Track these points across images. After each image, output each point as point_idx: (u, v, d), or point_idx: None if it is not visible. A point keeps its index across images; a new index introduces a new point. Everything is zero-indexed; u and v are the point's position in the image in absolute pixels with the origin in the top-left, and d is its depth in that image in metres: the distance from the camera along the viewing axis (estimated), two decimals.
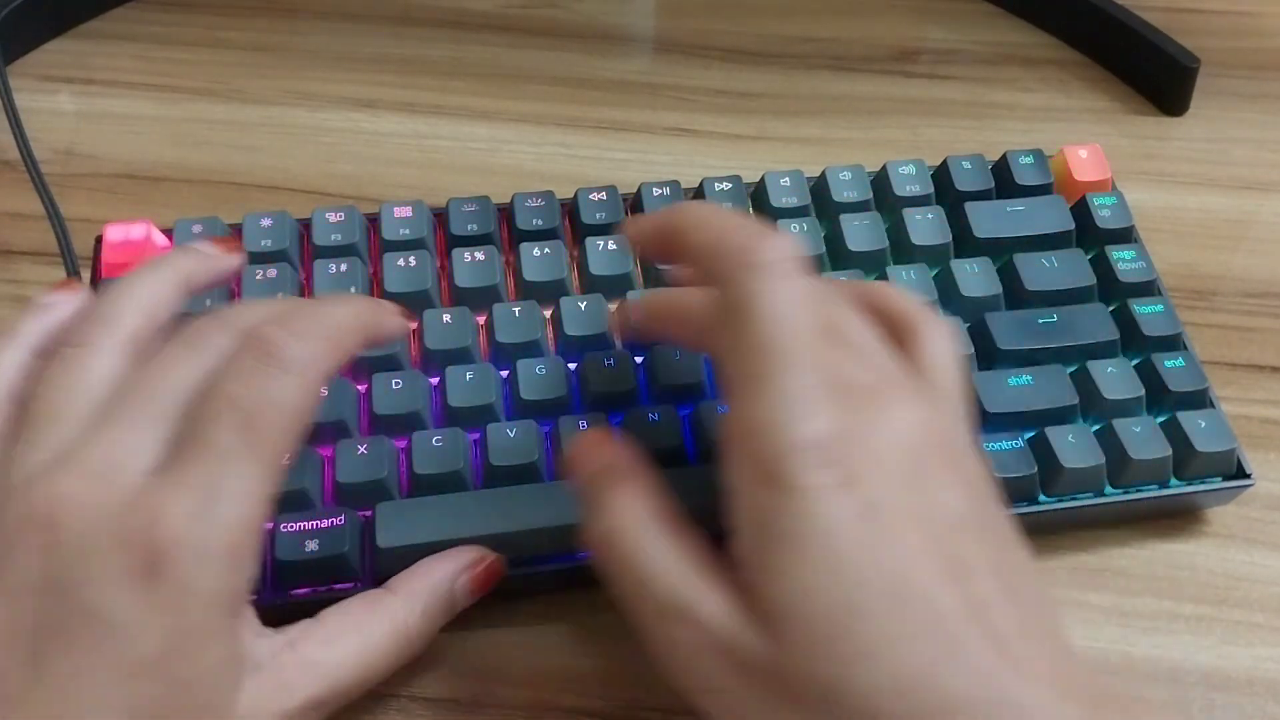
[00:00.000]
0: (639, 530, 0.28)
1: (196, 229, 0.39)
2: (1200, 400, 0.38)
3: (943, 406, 0.29)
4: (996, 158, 0.44)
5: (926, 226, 0.41)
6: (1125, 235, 0.42)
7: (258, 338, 0.27)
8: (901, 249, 0.41)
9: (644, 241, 0.32)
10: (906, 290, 0.34)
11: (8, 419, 0.28)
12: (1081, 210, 0.42)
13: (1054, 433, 0.36)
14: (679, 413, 0.36)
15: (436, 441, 0.34)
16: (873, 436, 0.26)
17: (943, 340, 0.31)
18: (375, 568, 0.33)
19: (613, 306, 0.38)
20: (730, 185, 0.42)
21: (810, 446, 0.25)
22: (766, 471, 0.25)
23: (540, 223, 0.41)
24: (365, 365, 0.36)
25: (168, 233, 0.40)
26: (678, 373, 0.36)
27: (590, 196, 0.41)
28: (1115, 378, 0.38)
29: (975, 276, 0.40)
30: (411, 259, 0.39)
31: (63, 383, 0.27)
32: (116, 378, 0.28)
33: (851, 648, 0.24)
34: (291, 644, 0.29)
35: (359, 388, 0.36)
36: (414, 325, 0.33)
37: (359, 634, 0.30)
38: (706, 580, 0.26)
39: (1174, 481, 0.37)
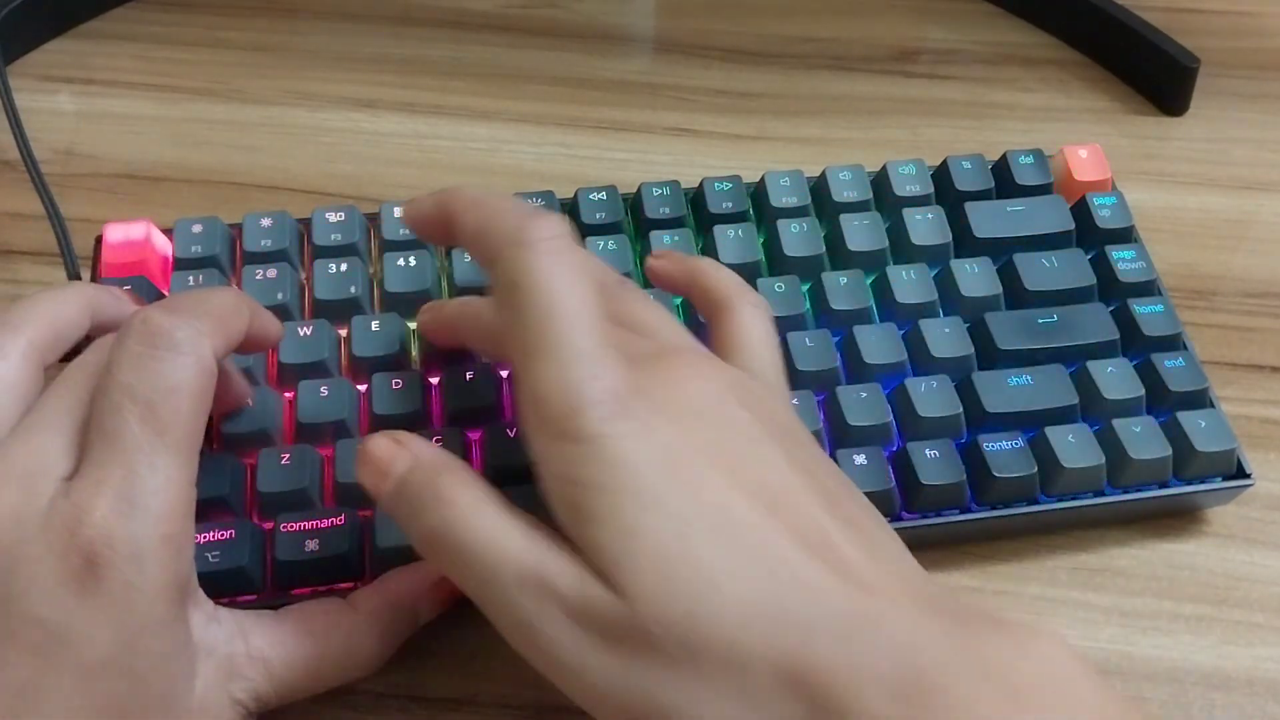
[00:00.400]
0: (476, 512, 0.26)
1: (196, 229, 0.39)
2: (1200, 400, 0.38)
3: (742, 376, 0.29)
4: (996, 158, 0.44)
5: (926, 226, 0.41)
6: (1125, 235, 0.42)
7: (142, 322, 0.27)
8: (901, 249, 0.41)
9: (418, 224, 0.31)
10: (722, 269, 0.34)
11: None
12: (1081, 210, 0.42)
13: (1054, 433, 0.36)
14: None
15: (436, 442, 0.34)
16: (663, 390, 0.26)
17: (754, 317, 0.32)
18: (375, 568, 0.33)
19: (413, 325, 0.38)
20: (730, 185, 0.42)
21: (602, 399, 0.25)
22: (563, 429, 0.25)
23: None
24: (365, 365, 0.36)
25: (168, 233, 0.40)
26: None
27: (590, 196, 0.41)
28: (1115, 378, 0.38)
29: (975, 276, 0.40)
30: (412, 259, 0.39)
31: None
32: (19, 382, 0.28)
33: (694, 579, 0.24)
34: (244, 633, 0.29)
35: (359, 388, 0.36)
36: (283, 332, 0.33)
37: (313, 642, 0.30)
38: (551, 547, 0.26)
39: (1174, 481, 0.37)
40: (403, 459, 0.27)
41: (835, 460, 0.35)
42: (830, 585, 0.24)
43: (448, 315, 0.35)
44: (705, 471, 0.25)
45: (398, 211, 0.37)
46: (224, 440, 0.34)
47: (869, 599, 0.24)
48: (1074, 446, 0.36)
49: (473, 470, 0.28)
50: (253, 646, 0.29)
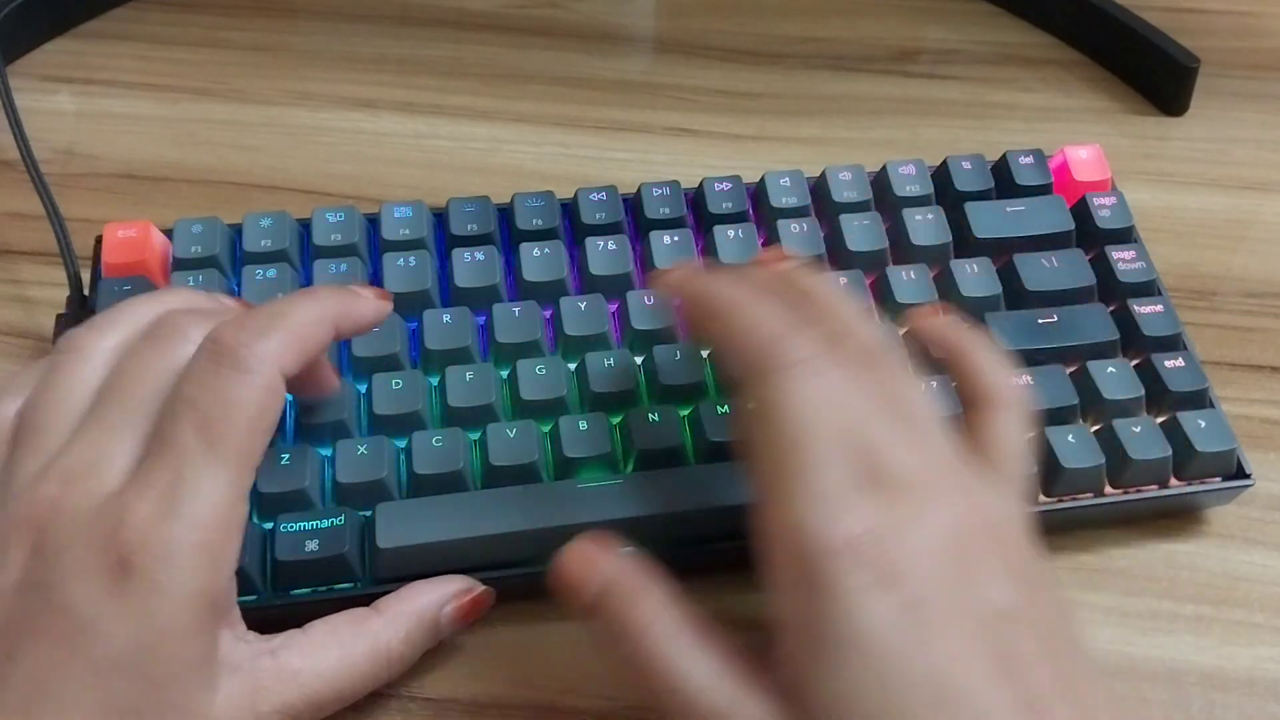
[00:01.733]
0: (669, 648, 0.27)
1: (196, 229, 0.39)
2: (1200, 400, 0.38)
3: (992, 493, 0.28)
4: (996, 158, 0.44)
5: (926, 226, 0.41)
6: (1125, 235, 0.42)
7: (213, 340, 0.27)
8: (901, 249, 0.41)
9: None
10: (997, 352, 0.33)
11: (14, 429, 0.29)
12: (1081, 210, 0.42)
13: (1054, 433, 0.36)
14: (679, 413, 0.36)
15: (436, 441, 0.34)
16: (911, 532, 0.25)
17: (1014, 419, 0.31)
18: (375, 568, 0.33)
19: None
20: (730, 185, 0.42)
21: (845, 547, 0.25)
22: (803, 574, 0.25)
23: (540, 223, 0.41)
24: (365, 365, 0.36)
25: (168, 233, 0.40)
26: (678, 373, 0.36)
27: (590, 196, 0.41)
28: (1115, 378, 0.38)
29: (975, 276, 0.40)
30: (411, 259, 0.39)
31: (54, 389, 0.28)
32: (103, 384, 0.28)
33: None
34: (272, 650, 0.29)
35: (359, 388, 0.36)
36: (389, 305, 0.33)
37: (340, 650, 0.30)
38: (744, 686, 0.26)
39: (1174, 482, 0.37)
40: (593, 581, 0.28)
41: None
42: None
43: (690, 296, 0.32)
44: (940, 628, 0.24)
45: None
46: None
47: None
48: (1074, 447, 0.36)
49: (664, 591, 0.28)
50: (281, 660, 0.29)
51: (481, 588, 0.33)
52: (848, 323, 0.30)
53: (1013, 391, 0.32)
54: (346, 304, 0.31)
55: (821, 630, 0.25)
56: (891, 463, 0.27)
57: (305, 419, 0.35)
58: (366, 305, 0.32)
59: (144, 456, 0.27)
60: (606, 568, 0.28)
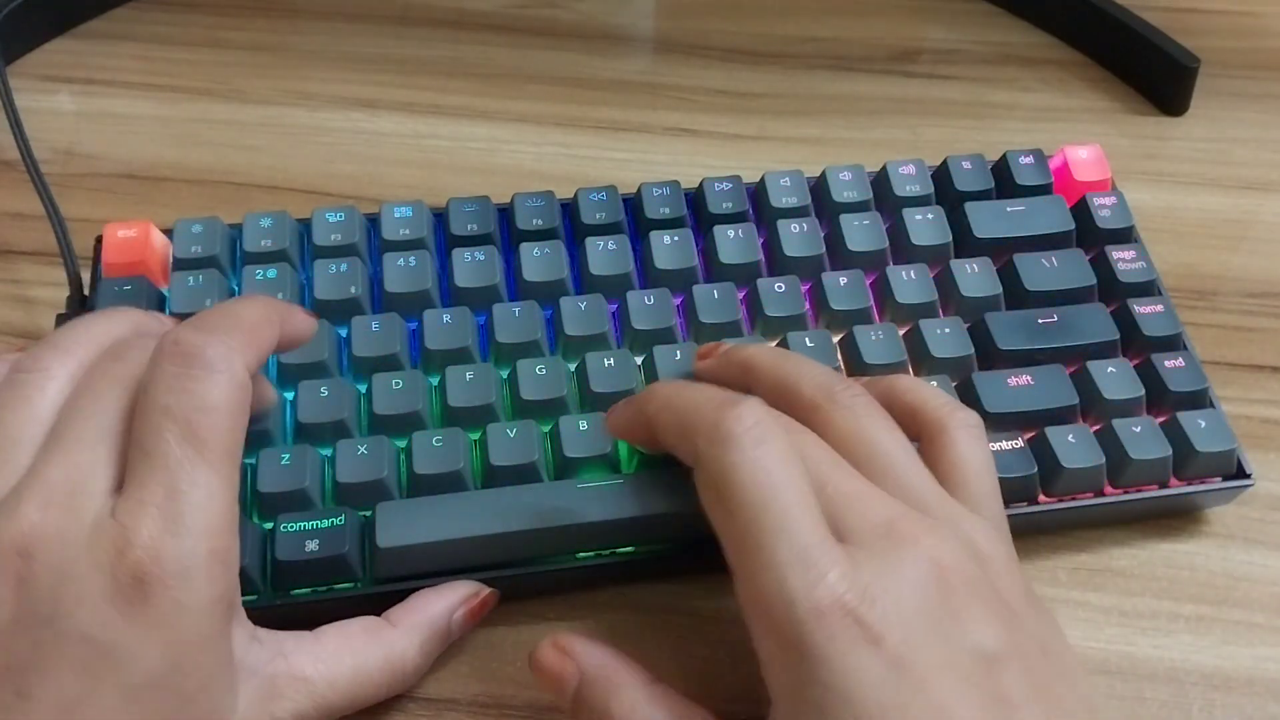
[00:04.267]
0: None
1: (196, 229, 0.39)
2: (1200, 400, 0.38)
3: (967, 524, 0.29)
4: (996, 158, 0.44)
5: (926, 226, 0.41)
6: (1125, 235, 0.42)
7: (174, 343, 0.27)
8: (901, 249, 0.41)
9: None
10: (927, 386, 0.33)
11: None
12: (1081, 210, 0.42)
13: (1054, 433, 0.36)
14: None
15: (436, 441, 0.34)
16: (890, 584, 0.26)
17: (971, 441, 0.31)
18: (375, 568, 0.33)
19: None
20: (730, 185, 0.42)
21: (825, 610, 0.25)
22: (788, 640, 0.25)
23: (540, 223, 0.41)
24: (365, 365, 0.36)
25: (168, 233, 0.40)
26: (678, 373, 0.36)
27: (590, 196, 0.41)
28: (1115, 378, 0.38)
29: (975, 276, 0.40)
30: (411, 259, 0.39)
31: (14, 410, 0.27)
32: (66, 402, 0.28)
33: None
34: (285, 654, 0.29)
35: (359, 388, 0.36)
36: (316, 325, 0.33)
37: (354, 658, 0.30)
38: None
39: (1174, 482, 0.37)
40: (571, 674, 0.29)
41: None
42: None
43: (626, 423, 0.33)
44: (928, 681, 0.25)
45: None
46: None
47: None
48: (1074, 446, 0.36)
49: (638, 675, 0.29)
50: (294, 665, 0.29)
51: (489, 590, 0.33)
52: (794, 375, 0.30)
53: (957, 414, 0.32)
54: (284, 312, 0.31)
55: (810, 696, 0.25)
56: (859, 515, 0.27)
57: (306, 419, 0.35)
58: (301, 318, 0.32)
59: (129, 474, 0.26)
60: (580, 659, 0.29)
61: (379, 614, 0.32)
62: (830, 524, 0.27)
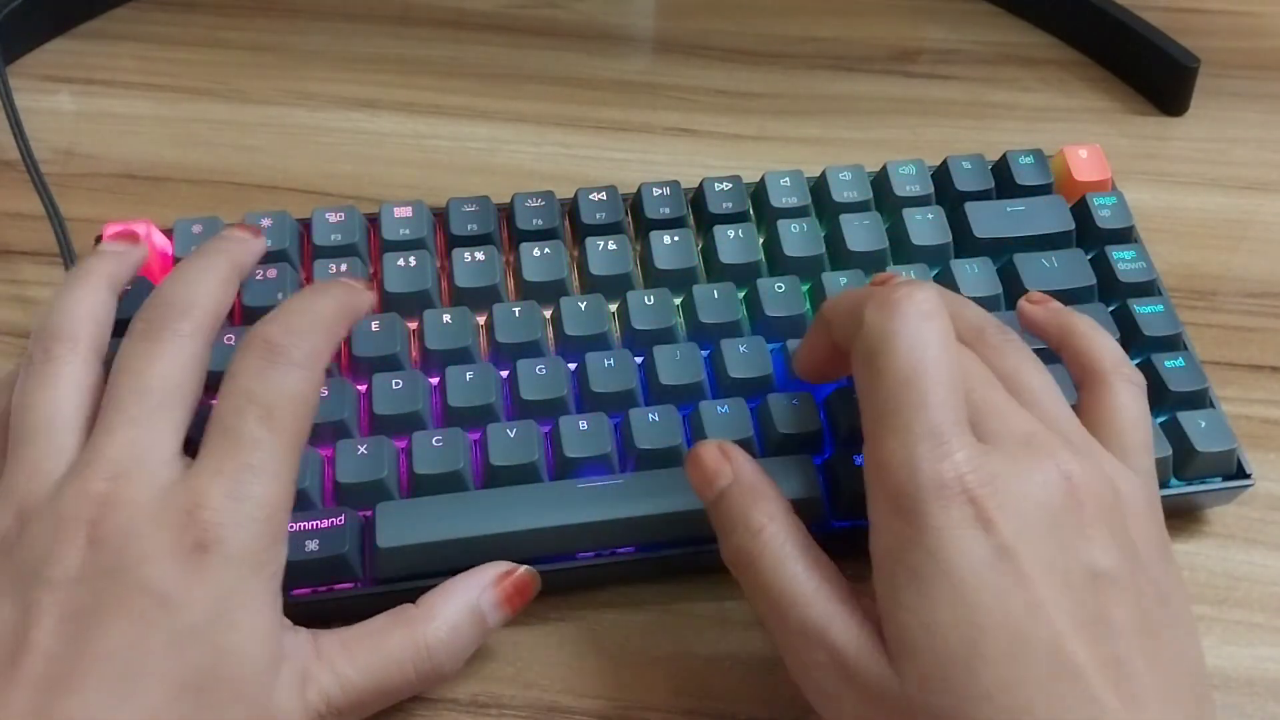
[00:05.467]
0: (774, 553, 0.28)
1: (196, 229, 0.39)
2: (1200, 400, 0.38)
3: (1111, 465, 0.29)
4: (996, 158, 0.44)
5: (926, 226, 0.41)
6: (1125, 235, 0.42)
7: (264, 339, 0.29)
8: (901, 249, 0.41)
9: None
10: (1104, 333, 0.33)
11: None
12: (1081, 210, 0.42)
13: None
14: (679, 413, 0.36)
15: (436, 441, 0.34)
16: (1016, 483, 0.26)
17: (1132, 393, 0.31)
18: (375, 568, 0.33)
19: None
20: (730, 185, 0.42)
21: (945, 484, 0.26)
22: (900, 506, 0.26)
23: (540, 223, 0.41)
24: (365, 365, 0.36)
25: (168, 233, 0.40)
26: (678, 373, 0.36)
27: (590, 196, 0.41)
28: None
29: (975, 276, 0.40)
30: (411, 259, 0.39)
31: (43, 395, 0.29)
32: (91, 385, 0.30)
33: (971, 687, 0.24)
34: (317, 642, 0.30)
35: (359, 388, 0.36)
36: (373, 296, 0.35)
37: (381, 643, 0.30)
38: (838, 604, 0.27)
39: (1174, 481, 0.37)
40: (725, 474, 0.30)
41: (838, 460, 0.35)
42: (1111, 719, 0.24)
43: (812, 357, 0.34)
44: (1030, 578, 0.25)
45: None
46: None
47: None
48: None
49: (783, 500, 0.30)
50: (323, 650, 0.30)
51: (522, 568, 0.33)
52: (951, 311, 0.30)
53: (1124, 366, 0.32)
54: (353, 298, 0.33)
55: (912, 562, 0.26)
56: (1000, 422, 0.27)
57: None
58: (363, 299, 0.34)
59: (205, 444, 0.28)
60: (739, 465, 0.30)
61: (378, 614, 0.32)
62: (972, 418, 0.27)
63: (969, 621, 0.25)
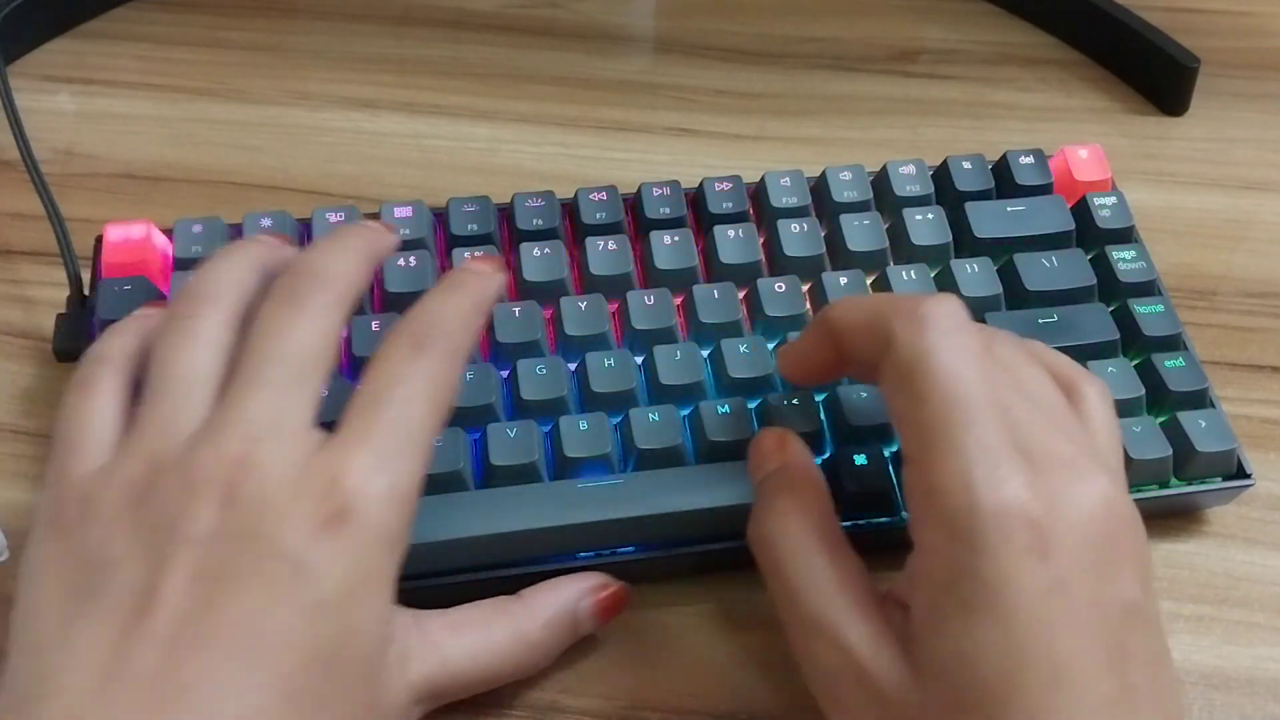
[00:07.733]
0: (797, 541, 0.29)
1: (196, 229, 0.39)
2: (1200, 400, 0.38)
3: (1118, 479, 0.29)
4: (996, 158, 0.44)
5: (926, 226, 0.41)
6: (1125, 235, 0.42)
7: (410, 334, 0.29)
8: (901, 249, 0.41)
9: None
10: (1057, 352, 0.33)
11: (127, 386, 0.30)
12: (1081, 210, 0.42)
13: None
14: (679, 413, 0.36)
15: (436, 441, 0.34)
16: (1067, 508, 0.26)
17: (1098, 400, 0.31)
18: None
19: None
20: (730, 185, 0.42)
21: (1007, 510, 0.25)
22: (960, 529, 0.25)
23: (540, 223, 0.41)
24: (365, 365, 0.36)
25: (168, 233, 0.40)
26: (678, 373, 0.36)
27: (590, 196, 0.41)
28: (1115, 378, 0.38)
29: (975, 276, 0.40)
30: (411, 259, 0.39)
31: (184, 351, 0.29)
32: (228, 345, 0.29)
33: (1000, 715, 0.24)
34: (419, 622, 0.30)
35: (359, 387, 0.36)
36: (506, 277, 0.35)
37: (483, 629, 0.31)
38: (857, 607, 0.27)
39: (1174, 481, 0.37)
40: (775, 459, 0.31)
41: (838, 460, 0.35)
42: None
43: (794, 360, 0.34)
44: (1077, 612, 0.25)
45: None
46: None
47: None
48: None
49: (826, 497, 0.30)
50: (426, 630, 0.30)
51: (619, 584, 0.33)
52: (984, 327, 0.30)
53: (1086, 374, 0.32)
54: (489, 288, 0.32)
55: (968, 589, 0.25)
56: (1040, 441, 0.27)
57: None
58: (497, 282, 0.33)
59: (350, 413, 0.28)
60: (791, 454, 0.31)
61: None
62: (1015, 438, 0.27)
63: (1012, 655, 0.25)
